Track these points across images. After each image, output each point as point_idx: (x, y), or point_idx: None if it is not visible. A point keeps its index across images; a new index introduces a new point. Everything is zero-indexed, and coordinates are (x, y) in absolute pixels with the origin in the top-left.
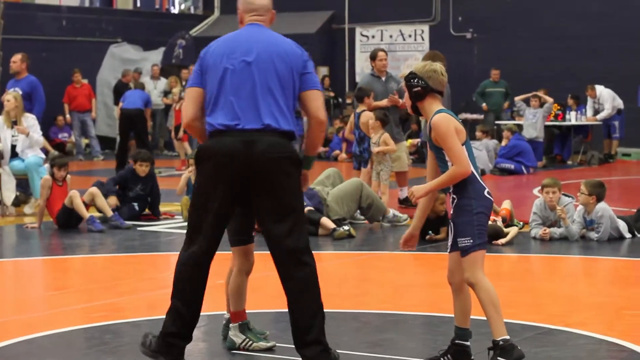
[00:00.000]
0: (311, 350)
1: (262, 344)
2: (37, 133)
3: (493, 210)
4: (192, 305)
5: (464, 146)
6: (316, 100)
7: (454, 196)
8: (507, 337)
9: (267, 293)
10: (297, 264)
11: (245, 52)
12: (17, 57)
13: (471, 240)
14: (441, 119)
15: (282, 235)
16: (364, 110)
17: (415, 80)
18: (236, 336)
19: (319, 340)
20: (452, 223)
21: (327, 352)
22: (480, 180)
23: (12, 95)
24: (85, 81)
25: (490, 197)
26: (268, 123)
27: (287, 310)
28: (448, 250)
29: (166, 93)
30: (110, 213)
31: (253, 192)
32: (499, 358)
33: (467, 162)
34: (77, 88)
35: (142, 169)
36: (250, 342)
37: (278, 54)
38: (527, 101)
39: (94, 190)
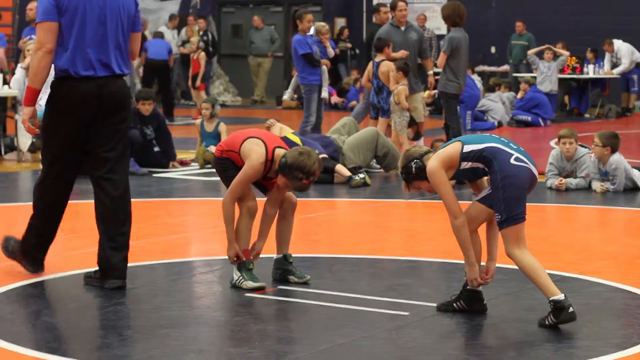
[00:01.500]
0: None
1: (250, 284)
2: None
3: None
4: (49, 223)
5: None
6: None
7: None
8: (558, 297)
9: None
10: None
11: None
12: (33, 5)
13: (499, 216)
14: (431, 170)
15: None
16: (383, 60)
17: (410, 165)
18: (234, 273)
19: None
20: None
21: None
22: (505, 148)
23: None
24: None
25: (519, 162)
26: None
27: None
28: (476, 198)
29: (183, 42)
30: None
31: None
32: (549, 315)
33: (458, 211)
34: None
35: (145, 108)
36: (242, 279)
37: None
38: (541, 55)
39: None
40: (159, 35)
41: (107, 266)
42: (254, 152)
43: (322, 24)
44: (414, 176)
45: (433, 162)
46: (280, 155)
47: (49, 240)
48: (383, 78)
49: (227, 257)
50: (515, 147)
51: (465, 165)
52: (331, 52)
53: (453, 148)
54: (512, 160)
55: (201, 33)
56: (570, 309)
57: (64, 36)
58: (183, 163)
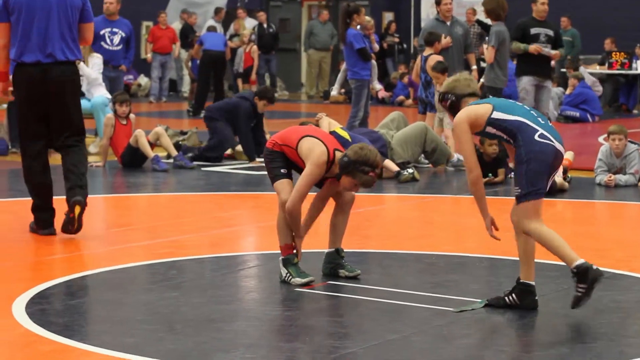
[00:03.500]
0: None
1: (298, 280)
2: (96, 71)
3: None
4: (41, 191)
5: (501, 108)
6: (89, 30)
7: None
8: (579, 262)
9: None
10: (71, 146)
11: None
12: None
13: (519, 190)
14: (457, 120)
15: None
16: (432, 54)
17: (447, 96)
18: (281, 269)
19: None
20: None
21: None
22: (531, 124)
23: None
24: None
25: (543, 139)
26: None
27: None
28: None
29: (231, 36)
30: (174, 152)
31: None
32: (578, 285)
33: (474, 164)
34: (162, 29)
35: (122, 110)
36: (290, 276)
37: None
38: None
39: (159, 129)
40: (212, 29)
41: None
42: (316, 152)
43: (368, 18)
44: (447, 108)
45: (461, 114)
46: (339, 157)
47: (45, 201)
48: (431, 72)
49: (278, 251)
50: (543, 122)
51: (490, 130)
52: (376, 47)
53: (483, 109)
54: (536, 137)
55: (265, 26)
56: (594, 267)
57: (15, 30)
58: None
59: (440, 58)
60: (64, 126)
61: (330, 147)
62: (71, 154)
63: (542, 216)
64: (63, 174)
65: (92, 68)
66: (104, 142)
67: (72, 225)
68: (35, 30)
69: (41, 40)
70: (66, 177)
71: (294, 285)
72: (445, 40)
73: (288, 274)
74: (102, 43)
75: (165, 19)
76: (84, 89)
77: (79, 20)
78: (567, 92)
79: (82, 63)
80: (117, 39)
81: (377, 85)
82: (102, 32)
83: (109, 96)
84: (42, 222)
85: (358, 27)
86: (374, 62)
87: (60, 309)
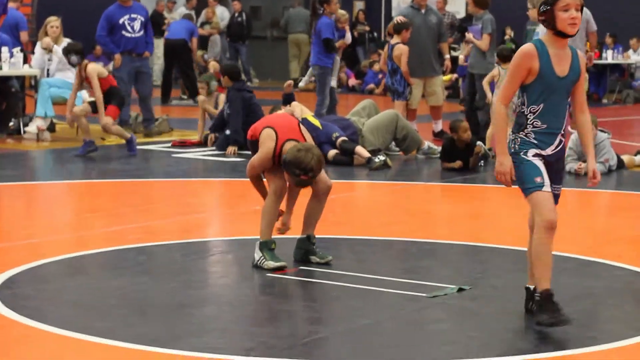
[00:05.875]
0: None
1: (271, 264)
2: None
3: None
4: None
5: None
6: None
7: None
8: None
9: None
10: None
11: None
12: None
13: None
14: (517, 53)
15: None
16: (398, 43)
17: (545, 6)
18: (256, 252)
19: None
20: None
21: None
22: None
23: (59, 22)
24: None
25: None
26: None
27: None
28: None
29: (202, 24)
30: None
31: None
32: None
33: (505, 96)
34: None
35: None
36: (264, 259)
37: None
38: None
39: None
40: (188, 16)
41: None
42: (264, 146)
43: (342, 12)
44: (540, 11)
45: (534, 43)
46: (286, 149)
47: None
48: (397, 61)
49: (249, 237)
50: None
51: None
52: (349, 38)
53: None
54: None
55: (236, 14)
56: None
57: None
58: (185, 143)
59: (406, 48)
60: None
61: (281, 139)
62: None
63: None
64: None
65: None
66: (98, 95)
67: None
68: None
69: None
70: None
71: (265, 268)
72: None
73: (262, 257)
74: (124, 32)
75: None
76: (51, 71)
77: None
78: None
79: (55, 46)
80: (137, 25)
81: (333, 82)
82: (121, 21)
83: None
84: None
85: (332, 16)
86: (337, 57)
87: (32, 294)
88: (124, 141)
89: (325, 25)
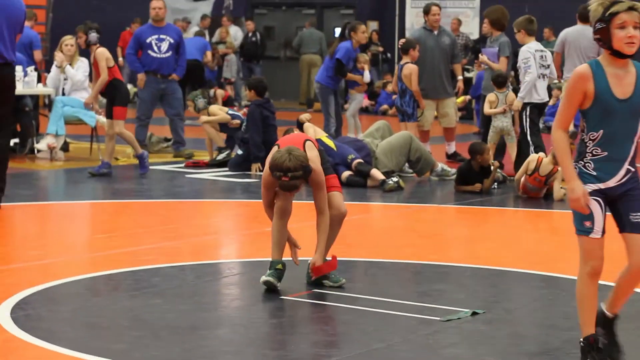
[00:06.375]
0: None
1: (263, 277)
2: (81, 74)
3: None
4: None
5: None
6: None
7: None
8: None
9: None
10: None
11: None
12: (160, 3)
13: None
14: (571, 75)
15: None
16: (407, 63)
17: (600, 24)
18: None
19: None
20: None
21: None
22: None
23: (74, 41)
24: None
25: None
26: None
27: None
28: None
29: (217, 43)
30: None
31: None
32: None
33: (561, 121)
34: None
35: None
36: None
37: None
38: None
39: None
40: (198, 34)
41: None
42: (266, 166)
43: (364, 55)
44: (595, 29)
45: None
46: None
47: None
48: (406, 81)
49: (263, 259)
50: None
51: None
52: (368, 77)
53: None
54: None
55: (250, 34)
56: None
57: None
58: (199, 164)
59: (415, 67)
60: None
61: None
62: None
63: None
64: None
65: (77, 70)
66: (103, 77)
67: None
68: None
69: None
70: None
71: (260, 282)
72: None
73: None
74: (149, 51)
75: (140, 24)
76: (66, 90)
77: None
78: (551, 102)
79: (68, 65)
80: (165, 46)
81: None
82: (148, 40)
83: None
84: None
85: (357, 46)
86: (360, 97)
87: (45, 315)
88: (136, 161)
89: (344, 49)
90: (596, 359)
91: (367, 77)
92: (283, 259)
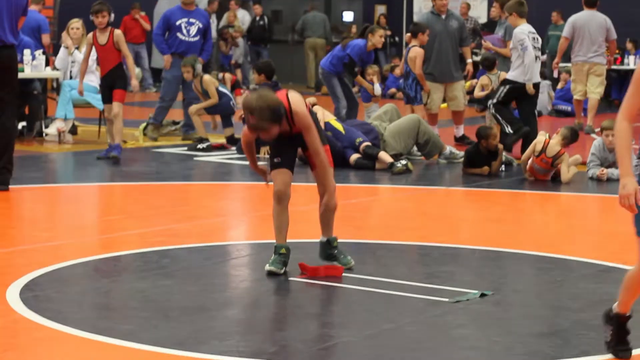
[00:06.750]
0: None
1: (267, 267)
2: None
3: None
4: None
5: None
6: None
7: None
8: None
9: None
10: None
11: None
12: None
13: None
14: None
15: None
16: (414, 46)
17: None
18: None
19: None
20: None
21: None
22: None
23: (80, 24)
24: (142, 13)
25: None
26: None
27: None
28: None
29: (225, 27)
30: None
31: None
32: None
33: (625, 114)
34: (134, 20)
35: (98, 21)
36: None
37: None
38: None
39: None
40: None
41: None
42: None
43: (374, 66)
44: None
45: None
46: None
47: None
48: (411, 64)
49: (271, 241)
50: None
51: None
52: (378, 90)
53: None
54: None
55: (257, 18)
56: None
57: None
58: (224, 147)
59: (422, 51)
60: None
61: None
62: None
63: None
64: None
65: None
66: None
67: None
68: None
69: None
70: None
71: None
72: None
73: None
74: (178, 34)
75: (138, 11)
76: (74, 73)
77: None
78: (559, 86)
79: (76, 50)
80: (194, 30)
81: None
82: (178, 23)
83: (96, 85)
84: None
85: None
86: (374, 106)
87: (54, 296)
88: (146, 144)
89: (357, 47)
90: (619, 336)
91: (377, 90)
92: (287, 241)
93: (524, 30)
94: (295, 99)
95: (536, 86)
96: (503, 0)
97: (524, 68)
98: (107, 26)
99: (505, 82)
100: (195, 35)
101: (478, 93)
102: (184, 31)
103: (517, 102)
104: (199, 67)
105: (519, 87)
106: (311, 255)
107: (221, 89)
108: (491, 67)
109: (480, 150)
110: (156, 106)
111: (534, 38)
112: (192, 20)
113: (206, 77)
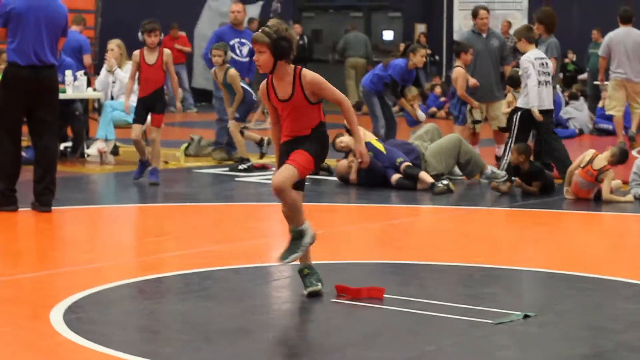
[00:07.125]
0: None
1: (305, 290)
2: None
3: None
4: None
5: None
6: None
7: None
8: None
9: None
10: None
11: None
12: (240, 7)
13: None
14: None
15: None
16: (457, 66)
17: None
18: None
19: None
20: None
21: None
22: None
23: (115, 44)
24: (182, 33)
25: None
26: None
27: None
28: None
29: None
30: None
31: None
32: None
33: None
34: (173, 40)
35: (150, 40)
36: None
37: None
38: None
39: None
40: None
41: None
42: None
43: (414, 89)
44: None
45: None
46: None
47: (10, 177)
48: (454, 84)
49: (314, 262)
50: None
51: None
52: (422, 116)
53: None
54: None
55: (297, 38)
56: None
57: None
58: (265, 167)
59: (464, 71)
60: (45, 119)
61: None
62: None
63: None
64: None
65: (126, 73)
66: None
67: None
68: (30, 37)
69: (34, 46)
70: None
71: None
72: (472, 81)
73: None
74: (231, 54)
75: (177, 32)
76: (114, 93)
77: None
78: (600, 105)
79: (117, 68)
80: (245, 50)
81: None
82: (232, 42)
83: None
84: (4, 196)
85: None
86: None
87: (97, 318)
88: (186, 165)
89: (398, 67)
90: None
91: (422, 116)
92: (307, 262)
93: (529, 57)
94: (311, 75)
95: (547, 112)
96: (541, 18)
97: (531, 93)
98: (157, 46)
99: (515, 109)
100: (246, 56)
101: (505, 110)
102: (237, 51)
103: (535, 129)
104: (229, 54)
105: (527, 113)
106: (352, 277)
107: (242, 84)
108: (516, 84)
109: (520, 170)
110: (216, 129)
111: (541, 63)
112: (243, 40)
113: (232, 70)
